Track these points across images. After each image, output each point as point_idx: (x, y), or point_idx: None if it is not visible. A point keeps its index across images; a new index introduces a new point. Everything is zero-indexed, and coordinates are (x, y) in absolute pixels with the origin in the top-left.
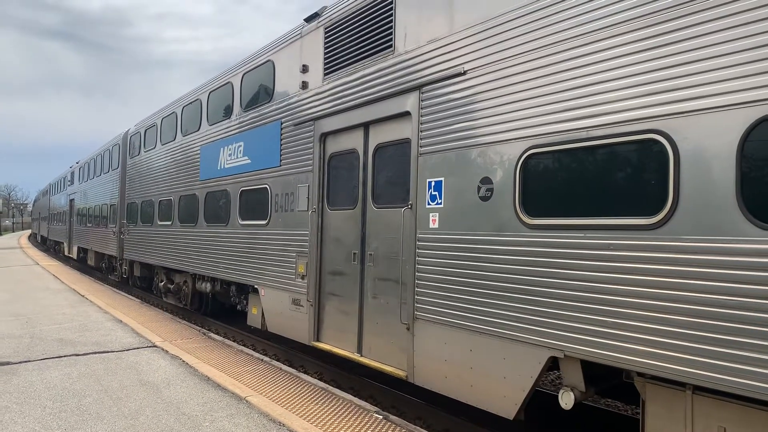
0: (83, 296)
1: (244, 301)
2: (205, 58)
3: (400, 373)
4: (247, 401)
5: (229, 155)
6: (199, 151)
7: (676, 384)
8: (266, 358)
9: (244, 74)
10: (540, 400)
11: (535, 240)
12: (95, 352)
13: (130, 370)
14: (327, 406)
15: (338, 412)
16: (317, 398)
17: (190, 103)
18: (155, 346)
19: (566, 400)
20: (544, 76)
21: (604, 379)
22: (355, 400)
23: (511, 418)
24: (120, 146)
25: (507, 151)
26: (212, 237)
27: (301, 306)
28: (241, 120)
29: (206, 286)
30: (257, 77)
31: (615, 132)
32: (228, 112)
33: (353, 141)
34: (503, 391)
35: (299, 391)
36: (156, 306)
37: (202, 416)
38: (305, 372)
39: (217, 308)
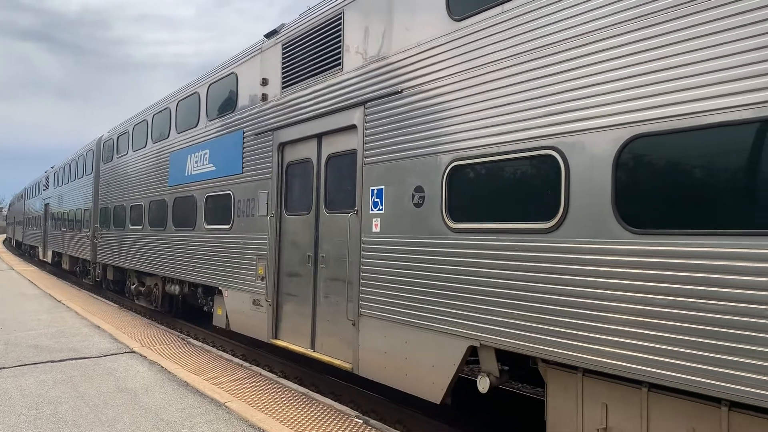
0: (59, 301)
1: (211, 303)
2: (187, 61)
3: (347, 366)
4: (226, 407)
5: (196, 162)
6: (168, 158)
7: (570, 368)
8: (246, 363)
9: (210, 85)
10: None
11: (458, 242)
12: (72, 359)
13: (107, 377)
14: (307, 411)
15: (318, 416)
16: (297, 403)
17: (160, 111)
18: (133, 352)
19: (483, 384)
20: (464, 97)
21: (516, 365)
22: (336, 404)
23: (438, 402)
24: (94, 152)
25: (436, 163)
26: (180, 241)
27: (261, 306)
28: (207, 129)
29: (175, 289)
30: (222, 88)
31: (520, 148)
32: (195, 120)
33: (308, 151)
34: (432, 378)
35: (279, 396)
36: (134, 311)
37: (180, 422)
38: (285, 377)
39: (186, 310)
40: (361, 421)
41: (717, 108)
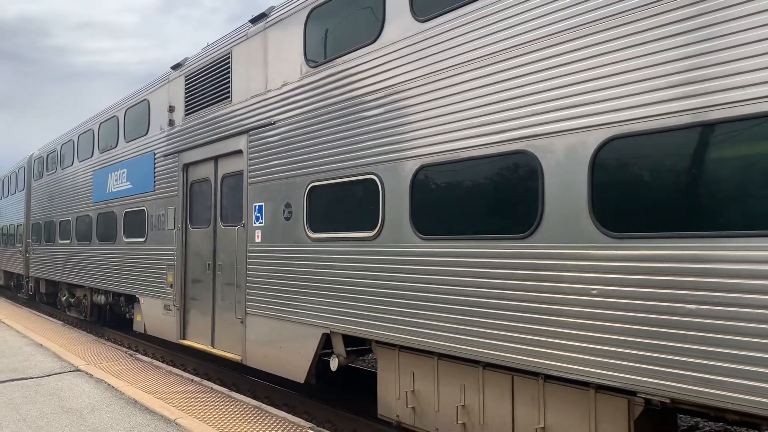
0: None
1: (132, 310)
2: (130, 69)
3: (237, 358)
4: (176, 423)
5: (116, 180)
6: (92, 176)
7: (392, 346)
8: (197, 378)
9: (127, 110)
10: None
11: (315, 249)
12: (12, 380)
13: (51, 397)
14: (260, 424)
15: (272, 429)
16: (250, 417)
17: (85, 132)
18: (79, 370)
19: (334, 364)
20: (316, 131)
21: (359, 347)
22: (289, 416)
23: (302, 381)
24: (25, 169)
25: (299, 184)
26: (103, 253)
27: (170, 310)
28: (125, 149)
29: (101, 299)
30: (137, 113)
31: (354, 173)
32: (115, 142)
33: (207, 171)
34: (298, 362)
35: (231, 410)
36: (80, 328)
37: None
38: (238, 390)
39: (115, 318)
40: None
41: (463, 147)
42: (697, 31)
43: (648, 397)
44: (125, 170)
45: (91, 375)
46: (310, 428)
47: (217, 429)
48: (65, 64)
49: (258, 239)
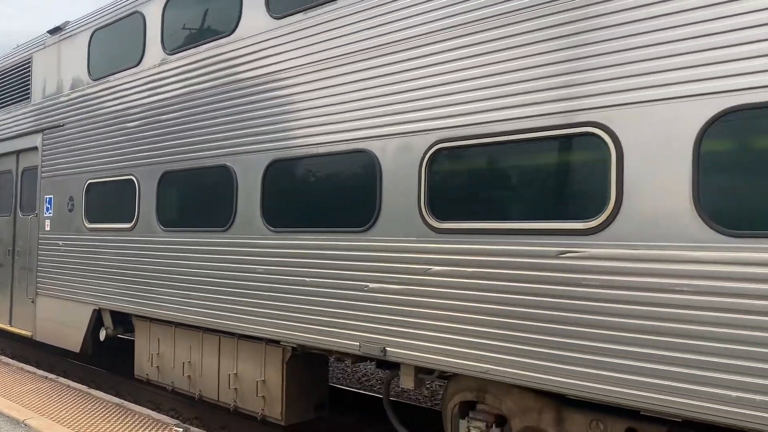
0: None
1: None
2: None
3: (29, 334)
4: (25, 425)
5: None
6: None
7: (144, 318)
8: (51, 376)
9: None
10: None
11: (89, 237)
12: None
13: None
14: (122, 423)
15: (134, 428)
16: (111, 415)
17: None
18: None
19: (102, 335)
20: (94, 135)
21: (124, 320)
22: (153, 414)
23: (78, 351)
24: None
25: (80, 180)
26: None
27: None
28: None
29: None
30: None
31: (119, 173)
32: None
33: (10, 164)
34: (75, 335)
35: (90, 408)
36: None
37: None
38: (98, 388)
39: None
40: (182, 430)
41: (191, 158)
42: (330, 98)
43: (286, 345)
44: None
45: None
46: (176, 425)
47: (72, 429)
48: None
49: (48, 228)
